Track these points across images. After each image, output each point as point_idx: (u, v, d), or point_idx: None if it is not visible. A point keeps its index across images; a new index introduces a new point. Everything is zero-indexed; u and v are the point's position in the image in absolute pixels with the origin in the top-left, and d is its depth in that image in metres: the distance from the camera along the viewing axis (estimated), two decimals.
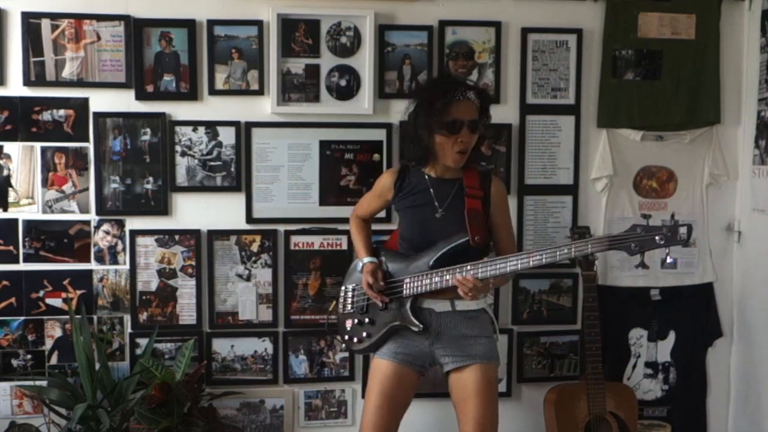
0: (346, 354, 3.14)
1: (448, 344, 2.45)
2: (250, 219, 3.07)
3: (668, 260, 2.14)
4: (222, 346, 3.12)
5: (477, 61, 3.12)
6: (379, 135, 3.08)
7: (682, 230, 2.10)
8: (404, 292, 2.46)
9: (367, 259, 2.55)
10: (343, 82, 3.06)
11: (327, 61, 3.06)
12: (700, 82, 3.18)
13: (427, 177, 2.50)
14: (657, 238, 2.11)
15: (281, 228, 3.09)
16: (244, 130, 3.05)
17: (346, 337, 2.61)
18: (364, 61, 3.05)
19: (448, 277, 2.36)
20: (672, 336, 3.30)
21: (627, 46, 3.15)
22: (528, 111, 3.16)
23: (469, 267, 2.33)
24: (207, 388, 3.07)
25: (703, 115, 3.20)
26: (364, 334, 2.54)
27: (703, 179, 3.26)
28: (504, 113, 3.15)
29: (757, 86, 3.13)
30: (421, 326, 2.43)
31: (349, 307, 2.62)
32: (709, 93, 3.18)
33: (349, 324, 2.60)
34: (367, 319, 2.54)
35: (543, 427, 3.09)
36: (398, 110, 3.08)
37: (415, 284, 2.43)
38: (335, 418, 3.18)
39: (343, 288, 2.68)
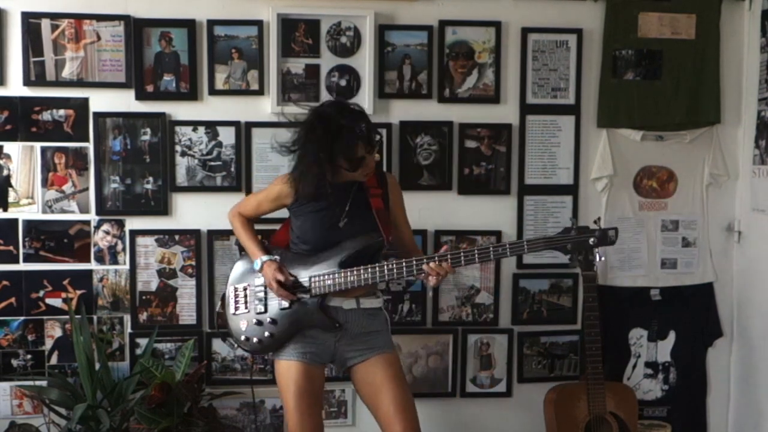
0: None
1: (353, 340, 2.50)
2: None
3: (599, 259, 2.54)
4: (222, 346, 3.12)
5: (477, 61, 3.12)
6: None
7: (611, 233, 2.47)
8: (312, 290, 2.48)
9: (265, 258, 2.52)
10: (343, 82, 3.06)
11: (327, 61, 3.06)
12: (700, 82, 3.17)
13: (327, 183, 2.44)
14: (591, 240, 2.45)
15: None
16: (244, 130, 3.05)
17: (243, 338, 2.56)
18: (364, 61, 3.05)
19: (367, 275, 2.42)
20: (672, 336, 3.30)
21: (627, 46, 3.15)
22: (528, 111, 3.16)
23: (394, 264, 2.42)
24: (207, 388, 3.07)
25: (703, 115, 3.19)
26: (266, 333, 2.52)
27: (703, 179, 3.25)
28: (504, 113, 3.15)
29: (757, 86, 3.12)
30: (337, 326, 2.47)
31: (242, 307, 2.58)
32: (709, 93, 3.18)
33: (243, 325, 2.56)
34: (268, 319, 2.52)
35: (543, 427, 3.09)
36: (398, 110, 3.11)
37: (326, 283, 2.46)
38: (335, 418, 3.18)
39: (230, 288, 2.63)
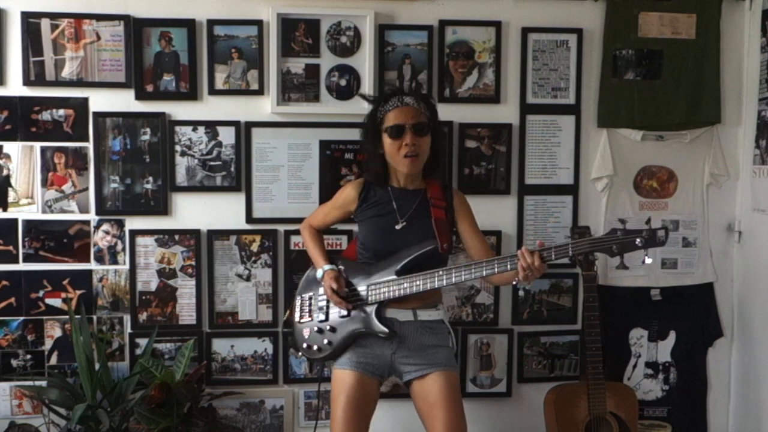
0: None
1: (410, 353, 2.47)
2: (250, 219, 3.07)
3: (646, 261, 2.25)
4: (222, 346, 3.12)
5: (477, 60, 3.12)
6: None
7: (660, 233, 2.23)
8: (369, 298, 2.47)
9: (327, 267, 2.55)
10: (343, 82, 3.06)
11: (327, 60, 3.06)
12: (701, 82, 3.17)
13: (389, 188, 2.54)
14: (637, 240, 2.23)
15: (281, 228, 3.08)
16: (244, 130, 3.05)
17: (305, 345, 2.58)
18: (364, 61, 3.05)
19: (419, 282, 2.40)
20: (672, 336, 3.30)
21: (627, 46, 3.15)
22: (528, 111, 3.16)
23: (443, 273, 2.37)
24: (207, 388, 3.06)
25: (703, 115, 3.19)
26: (326, 341, 2.53)
27: (703, 179, 3.25)
28: (504, 113, 3.15)
29: (758, 86, 3.12)
30: (388, 331, 2.44)
31: (306, 316, 2.61)
32: (709, 93, 3.18)
33: (306, 332, 2.59)
34: (328, 327, 2.53)
35: (543, 428, 3.09)
36: None
37: (382, 291, 2.45)
38: None
39: (298, 297, 2.68)
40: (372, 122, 2.50)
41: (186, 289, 3.08)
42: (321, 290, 2.59)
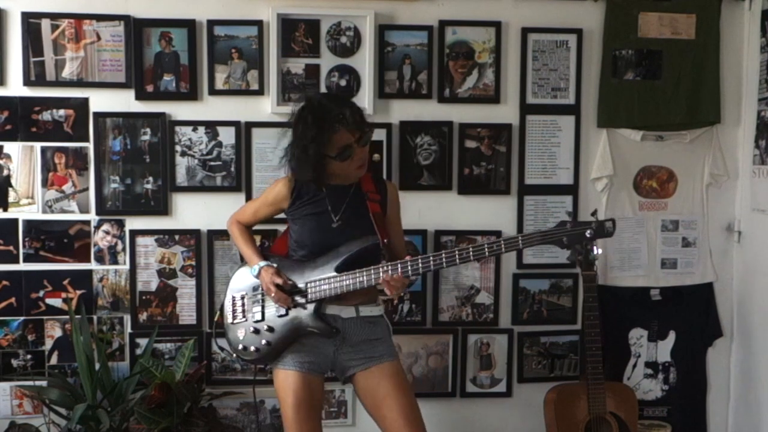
0: None
1: (353, 348, 2.45)
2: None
3: (597, 251, 2.43)
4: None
5: (477, 61, 3.12)
6: (379, 135, 3.07)
7: (608, 224, 2.35)
8: (309, 296, 2.42)
9: (263, 263, 2.47)
10: (343, 82, 3.06)
11: (327, 61, 3.06)
12: (700, 82, 3.17)
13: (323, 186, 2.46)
14: (588, 232, 2.33)
15: (281, 228, 3.07)
16: (244, 130, 3.05)
17: (241, 347, 2.51)
18: (364, 61, 3.05)
19: (363, 278, 2.37)
20: (672, 336, 3.30)
21: (627, 46, 3.15)
22: (528, 111, 3.16)
23: (389, 266, 2.36)
24: (207, 388, 3.07)
25: (703, 115, 3.19)
26: (263, 342, 2.46)
27: (703, 179, 3.25)
28: (504, 113, 3.15)
29: (757, 86, 3.12)
30: (333, 330, 2.41)
31: (240, 316, 2.53)
32: (709, 93, 3.18)
33: (241, 333, 2.51)
34: (265, 327, 2.46)
35: (543, 427, 3.09)
36: (398, 110, 3.11)
37: (322, 288, 2.41)
38: (335, 418, 3.19)
39: (228, 297, 2.58)
40: (309, 149, 2.32)
41: (186, 289, 3.08)
42: (254, 288, 2.52)
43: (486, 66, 3.13)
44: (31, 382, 2.95)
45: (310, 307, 2.43)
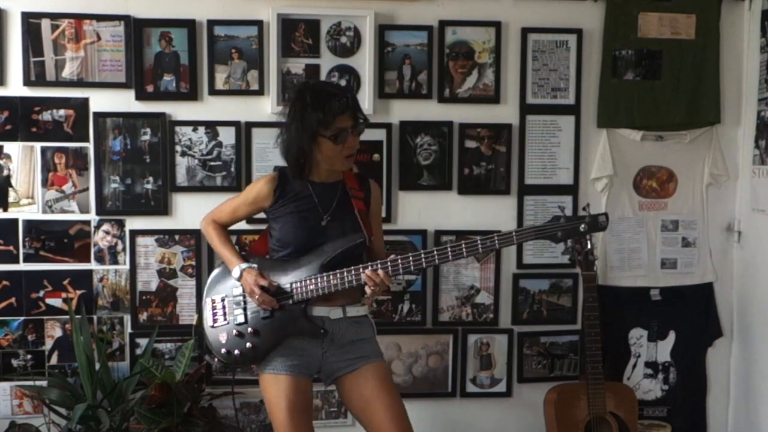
0: None
1: (340, 350, 2.42)
2: (249, 219, 3.06)
3: (591, 246, 2.50)
4: None
5: (477, 61, 3.12)
6: (379, 135, 3.08)
7: (602, 218, 2.38)
8: (294, 296, 2.38)
9: (245, 265, 2.41)
10: (343, 83, 3.06)
11: (327, 61, 3.06)
12: (700, 82, 3.17)
13: (309, 183, 2.44)
14: (582, 226, 2.36)
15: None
16: (244, 130, 3.05)
17: (224, 350, 2.44)
18: (364, 61, 3.05)
19: (351, 277, 2.34)
20: (672, 336, 3.30)
21: (627, 46, 3.15)
22: (528, 111, 3.16)
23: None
24: (207, 388, 3.07)
25: (703, 115, 3.20)
26: (248, 345, 2.40)
27: (703, 179, 3.26)
28: (504, 113, 3.15)
29: (757, 86, 3.13)
30: (324, 330, 2.38)
31: (221, 319, 2.46)
32: (709, 93, 3.18)
33: (223, 337, 2.44)
34: (249, 330, 2.40)
35: (543, 427, 3.09)
36: (398, 110, 3.11)
37: (309, 288, 2.36)
38: (335, 418, 3.19)
39: (208, 300, 2.51)
40: (306, 125, 2.32)
41: (186, 289, 3.08)
42: (235, 290, 2.46)
43: (486, 66, 3.13)
44: (31, 382, 2.95)
45: (297, 308, 2.39)
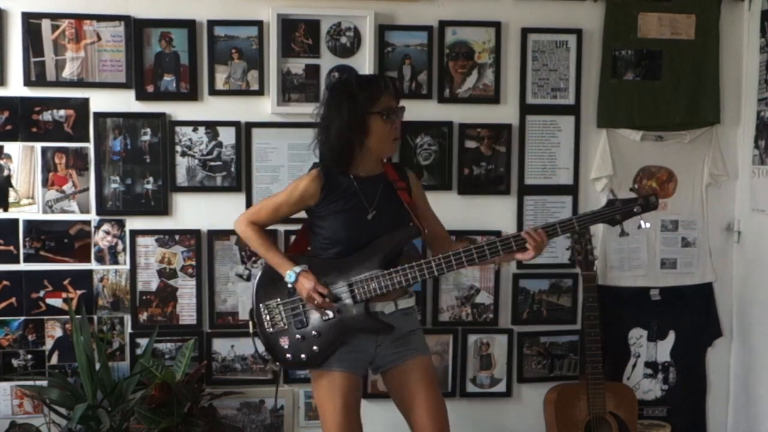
0: None
1: (393, 343, 2.43)
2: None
3: (644, 225, 2.54)
4: (222, 346, 3.12)
5: (477, 61, 3.12)
6: None
7: (653, 198, 2.49)
8: (357, 297, 2.37)
9: (298, 269, 2.37)
10: None
11: (327, 61, 3.06)
12: (700, 82, 3.18)
13: (352, 177, 2.42)
14: (636, 208, 2.47)
15: (281, 228, 3.08)
16: (244, 130, 3.05)
17: (288, 355, 2.42)
18: (364, 62, 3.05)
19: (416, 273, 2.36)
20: (672, 336, 3.30)
21: (627, 46, 3.15)
22: (528, 111, 3.16)
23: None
24: (207, 387, 3.07)
25: (702, 115, 3.20)
26: (315, 348, 2.38)
27: (702, 179, 3.26)
28: (504, 113, 3.15)
29: (757, 86, 3.13)
30: (391, 328, 2.39)
31: (280, 324, 2.43)
32: (708, 93, 3.18)
33: (285, 342, 2.42)
34: (313, 332, 2.39)
35: (543, 427, 3.09)
36: None
37: (371, 287, 2.36)
38: None
39: (262, 305, 2.47)
40: (357, 105, 2.33)
41: (186, 289, 3.09)
42: (289, 294, 2.43)
43: (486, 66, 3.13)
44: (31, 382, 2.95)
45: (359, 307, 2.38)
